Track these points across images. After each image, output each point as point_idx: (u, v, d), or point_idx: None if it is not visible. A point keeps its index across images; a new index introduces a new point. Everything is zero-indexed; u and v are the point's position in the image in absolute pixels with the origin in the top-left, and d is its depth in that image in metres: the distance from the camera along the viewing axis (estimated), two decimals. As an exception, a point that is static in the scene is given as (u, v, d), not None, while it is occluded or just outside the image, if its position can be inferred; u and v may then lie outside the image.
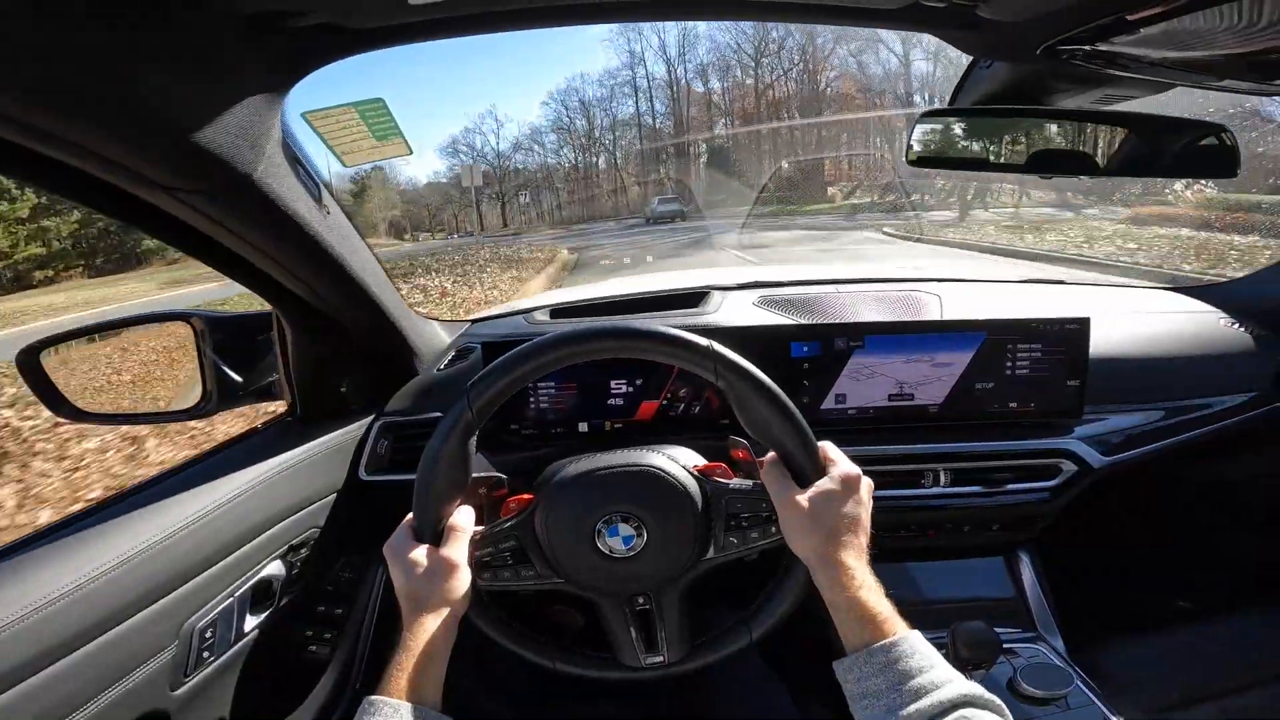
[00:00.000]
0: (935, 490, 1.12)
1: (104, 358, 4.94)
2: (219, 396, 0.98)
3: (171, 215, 0.69)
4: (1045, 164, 0.95)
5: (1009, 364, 1.13)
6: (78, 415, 0.93)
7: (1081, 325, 1.11)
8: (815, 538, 0.68)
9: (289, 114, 0.66)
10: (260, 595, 0.89)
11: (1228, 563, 1.51)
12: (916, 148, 0.93)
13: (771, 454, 0.73)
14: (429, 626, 0.67)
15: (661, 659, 0.77)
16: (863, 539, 0.69)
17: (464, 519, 0.73)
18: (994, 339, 1.12)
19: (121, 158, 0.57)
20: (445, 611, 0.68)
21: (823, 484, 0.70)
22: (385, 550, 0.72)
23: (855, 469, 0.72)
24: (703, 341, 0.71)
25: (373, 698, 0.61)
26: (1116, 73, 0.77)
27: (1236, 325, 1.33)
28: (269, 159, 0.66)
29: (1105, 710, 0.92)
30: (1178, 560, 1.52)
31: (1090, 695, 0.95)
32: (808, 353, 1.12)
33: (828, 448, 0.73)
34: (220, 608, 0.82)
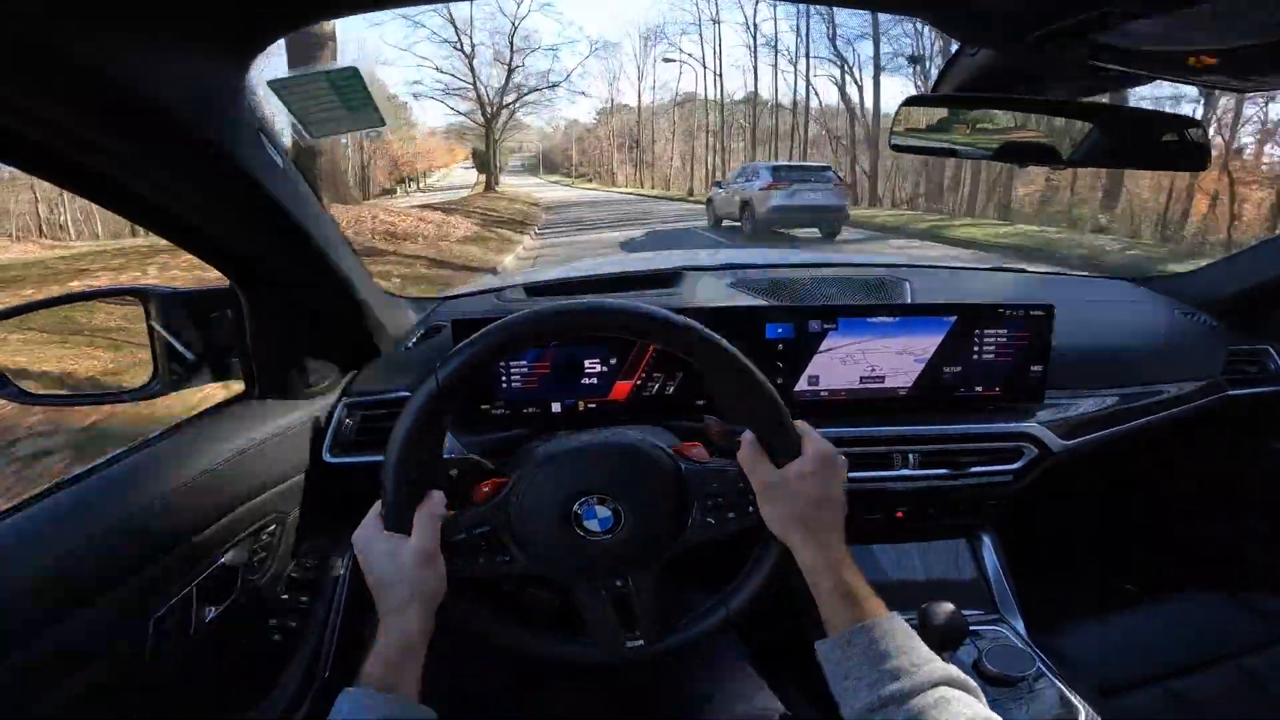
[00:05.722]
0: (904, 472, 1.14)
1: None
2: (171, 376, 0.93)
3: (124, 184, 0.64)
4: (1021, 153, 0.96)
5: (976, 348, 1.15)
6: (21, 396, 0.88)
7: (1047, 312, 1.14)
8: (793, 517, 0.68)
9: (253, 81, 0.62)
10: (221, 584, 0.86)
11: (1178, 546, 1.59)
12: (899, 133, 0.93)
13: (748, 433, 0.73)
14: (404, 618, 0.65)
15: (641, 641, 0.76)
16: (840, 517, 0.70)
17: (434, 505, 0.71)
18: (962, 323, 1.14)
19: (70, 123, 0.53)
20: (420, 602, 0.66)
21: (799, 463, 0.70)
22: (354, 541, 0.70)
23: (830, 447, 0.72)
24: (680, 319, 0.69)
25: (350, 689, 0.59)
26: (1101, 65, 0.77)
27: (1191, 316, 1.39)
28: (230, 127, 0.62)
29: (1065, 691, 0.95)
30: (1132, 543, 1.59)
31: (1050, 677, 0.98)
32: (782, 334, 1.12)
33: (803, 426, 0.73)
34: (178, 597, 0.78)
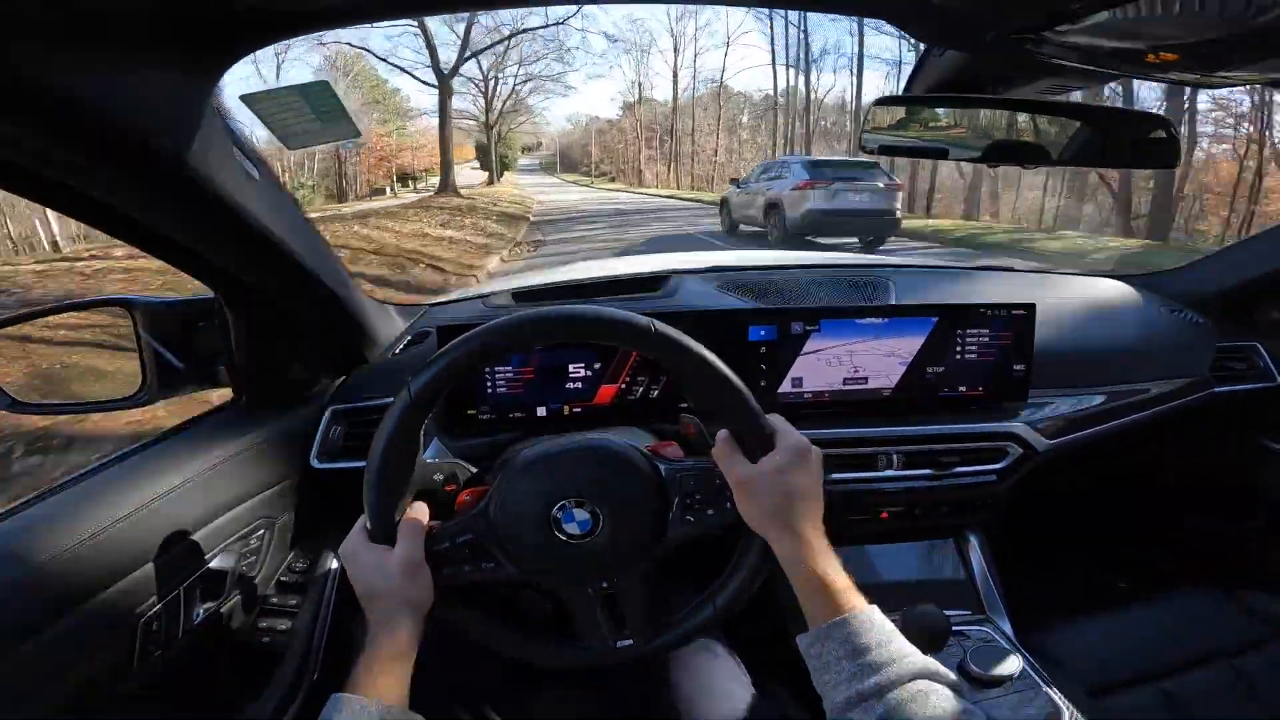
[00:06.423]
0: (888, 473, 1.15)
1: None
2: (159, 384, 0.95)
3: (96, 199, 0.66)
4: (996, 153, 0.96)
5: (958, 348, 1.16)
6: (12, 405, 0.90)
7: (1028, 311, 1.15)
8: (770, 511, 0.68)
9: (226, 95, 0.63)
10: (209, 587, 0.87)
11: (1167, 544, 1.58)
12: (871, 134, 0.94)
13: (722, 430, 0.73)
14: (393, 627, 0.66)
15: (631, 642, 0.76)
16: (817, 509, 0.69)
17: (417, 515, 0.72)
18: (945, 324, 1.14)
19: (36, 141, 0.54)
20: (408, 611, 0.68)
21: (773, 457, 0.70)
22: (340, 553, 0.71)
23: (804, 440, 0.72)
24: (642, 320, 0.70)
25: (340, 694, 0.60)
26: (1064, 63, 0.78)
27: (1176, 313, 1.38)
28: (202, 142, 0.63)
29: (1049, 691, 0.94)
30: (1120, 542, 1.58)
31: (1036, 677, 0.97)
32: (765, 336, 1.13)
33: (776, 421, 0.73)
34: (166, 600, 0.80)
